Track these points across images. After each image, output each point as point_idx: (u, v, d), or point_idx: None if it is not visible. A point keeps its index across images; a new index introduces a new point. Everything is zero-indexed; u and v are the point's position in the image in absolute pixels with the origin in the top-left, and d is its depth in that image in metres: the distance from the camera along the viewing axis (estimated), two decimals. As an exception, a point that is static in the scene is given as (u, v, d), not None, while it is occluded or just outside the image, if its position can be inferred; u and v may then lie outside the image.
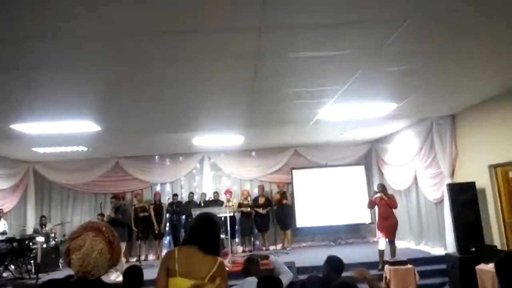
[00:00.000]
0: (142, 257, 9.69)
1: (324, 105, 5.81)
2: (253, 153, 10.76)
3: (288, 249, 9.90)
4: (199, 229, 2.64)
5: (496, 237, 6.48)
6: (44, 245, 8.59)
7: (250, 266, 3.61)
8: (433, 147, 7.86)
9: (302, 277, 5.01)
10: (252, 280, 3.40)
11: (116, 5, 2.60)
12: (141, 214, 9.64)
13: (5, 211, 9.04)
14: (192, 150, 10.17)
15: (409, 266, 6.24)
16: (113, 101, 5.02)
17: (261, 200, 10.08)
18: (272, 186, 10.72)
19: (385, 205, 7.41)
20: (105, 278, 1.81)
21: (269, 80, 4.51)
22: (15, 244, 8.14)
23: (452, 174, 7.42)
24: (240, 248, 10.27)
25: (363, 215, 10.14)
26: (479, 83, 5.44)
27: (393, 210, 7.42)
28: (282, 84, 4.72)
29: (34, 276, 7.87)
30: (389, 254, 7.19)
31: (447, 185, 7.08)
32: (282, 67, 4.10)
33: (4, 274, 8.00)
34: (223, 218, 8.36)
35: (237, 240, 10.26)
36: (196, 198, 10.34)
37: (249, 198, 10.16)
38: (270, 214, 10.21)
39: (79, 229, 1.79)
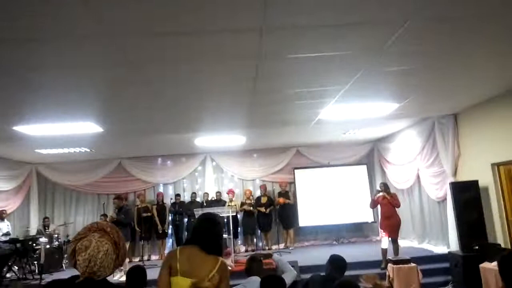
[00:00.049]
0: (145, 257, 9.72)
1: (326, 105, 5.81)
2: (255, 155, 10.77)
3: (290, 248, 9.92)
4: (201, 229, 2.65)
5: (499, 235, 6.47)
6: (48, 246, 8.62)
7: (253, 265, 3.61)
8: (435, 146, 7.85)
9: (305, 276, 5.01)
10: (255, 280, 3.40)
11: (117, 6, 2.61)
12: (144, 215, 9.66)
13: (8, 212, 9.07)
14: (194, 151, 10.19)
15: (412, 264, 6.23)
16: (115, 102, 5.03)
17: (264, 200, 10.09)
18: (274, 185, 10.74)
19: (387, 204, 7.41)
20: (109, 278, 1.82)
21: (271, 81, 4.52)
22: (18, 245, 8.16)
23: (455, 172, 7.41)
24: (242, 248, 10.28)
25: (366, 214, 10.14)
26: (480, 83, 5.43)
27: (396, 209, 7.41)
28: (283, 84, 4.72)
29: (38, 276, 7.91)
30: (392, 252, 7.19)
31: (450, 183, 7.08)
32: (284, 68, 4.10)
33: (8, 275, 8.03)
34: (225, 218, 8.38)
35: (239, 239, 10.27)
36: (198, 198, 10.36)
37: (251, 198, 10.17)
38: (273, 213, 10.21)
39: (84, 230, 1.80)
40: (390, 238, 7.28)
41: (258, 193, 10.51)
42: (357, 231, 10.69)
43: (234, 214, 9.02)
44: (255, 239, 10.36)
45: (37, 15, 2.66)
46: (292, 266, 4.03)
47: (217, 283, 2.51)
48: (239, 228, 10.06)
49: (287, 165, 10.79)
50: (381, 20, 3.14)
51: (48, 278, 7.74)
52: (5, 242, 8.19)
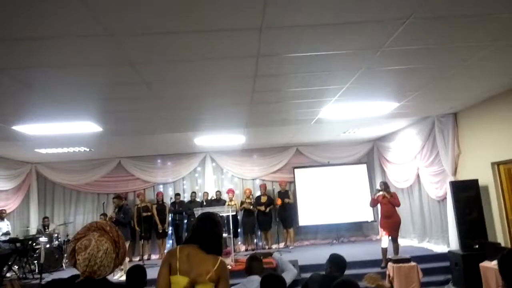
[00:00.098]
0: (145, 257, 9.73)
1: (326, 104, 5.80)
2: (255, 155, 10.76)
3: (290, 247, 9.92)
4: (201, 228, 2.65)
5: (499, 234, 6.47)
6: (47, 245, 8.62)
7: (254, 264, 3.60)
8: (435, 145, 7.84)
9: (305, 275, 5.01)
10: (255, 279, 3.40)
11: (117, 5, 2.60)
12: (144, 214, 9.66)
13: (8, 211, 9.07)
14: (194, 150, 10.19)
15: (412, 263, 6.23)
16: (114, 101, 5.02)
17: (264, 199, 10.09)
18: (274, 185, 10.74)
19: (387, 203, 7.41)
20: (109, 278, 1.81)
21: (270, 80, 4.51)
22: (18, 244, 8.17)
23: (455, 172, 7.41)
24: (242, 247, 10.29)
25: (366, 213, 10.14)
26: (480, 82, 5.43)
27: (396, 208, 7.41)
28: (283, 83, 4.71)
29: (38, 276, 7.91)
30: (392, 252, 7.19)
31: (450, 182, 7.07)
32: (283, 67, 4.09)
33: (8, 274, 8.02)
34: (225, 218, 8.38)
35: (239, 239, 10.27)
36: (198, 197, 10.36)
37: (251, 197, 10.17)
38: (273, 213, 10.21)
39: (83, 229, 1.80)
40: (390, 237, 7.28)
41: (258, 192, 10.51)
42: (357, 230, 10.69)
43: (234, 213, 9.02)
44: (255, 239, 10.36)
45: (37, 14, 2.65)
46: (292, 265, 4.03)
47: (216, 282, 2.51)
48: (239, 228, 10.06)
49: (286, 164, 10.80)
50: (381, 19, 3.13)
51: (48, 277, 7.74)
52: (5, 241, 8.19)
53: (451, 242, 7.39)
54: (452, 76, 4.90)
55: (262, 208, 9.97)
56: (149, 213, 9.79)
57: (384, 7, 2.93)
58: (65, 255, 8.83)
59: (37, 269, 8.27)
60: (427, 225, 8.66)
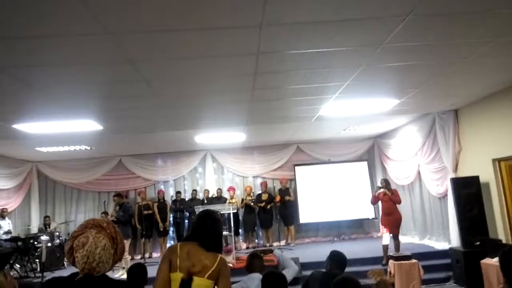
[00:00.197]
0: (147, 255, 9.74)
1: (326, 101, 5.79)
2: (255, 152, 10.76)
3: (291, 245, 9.92)
4: (200, 226, 2.66)
5: (500, 231, 6.46)
6: (49, 244, 8.64)
7: (254, 261, 3.60)
8: (436, 142, 7.83)
9: (306, 273, 5.01)
10: (256, 276, 3.40)
11: (116, 3, 2.59)
12: (145, 212, 9.67)
13: (9, 210, 9.08)
14: (194, 148, 10.19)
15: (414, 260, 6.23)
16: (115, 100, 5.02)
17: (264, 197, 10.09)
18: (275, 182, 10.73)
19: (388, 200, 7.40)
20: (110, 275, 1.81)
21: (270, 77, 4.50)
22: (19, 243, 8.19)
23: (456, 168, 7.40)
24: (244, 245, 10.30)
25: (367, 211, 10.14)
26: (481, 79, 5.41)
27: (397, 205, 7.40)
28: (283, 80, 4.70)
29: (39, 274, 7.93)
30: (393, 249, 7.19)
31: (450, 179, 7.06)
32: (283, 64, 4.08)
33: (10, 273, 8.03)
34: (226, 215, 8.38)
35: (240, 236, 10.28)
36: (199, 195, 10.36)
37: (252, 195, 10.17)
38: (274, 210, 10.21)
39: (81, 227, 1.80)
40: (391, 234, 7.28)
41: (258, 190, 10.50)
42: (358, 228, 10.69)
43: (235, 211, 9.02)
44: (256, 236, 10.36)
45: (37, 13, 2.64)
46: (293, 262, 4.03)
47: (216, 280, 2.51)
48: (240, 225, 10.07)
49: (287, 162, 10.80)
50: (381, 16, 3.12)
51: (49, 276, 7.75)
52: (6, 240, 8.21)
53: (452, 239, 7.39)
54: (452, 73, 4.89)
55: (263, 204, 9.96)
56: (150, 211, 9.80)
57: (384, 4, 2.92)
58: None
59: (38, 268, 8.29)
60: (428, 222, 8.66)
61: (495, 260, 5.41)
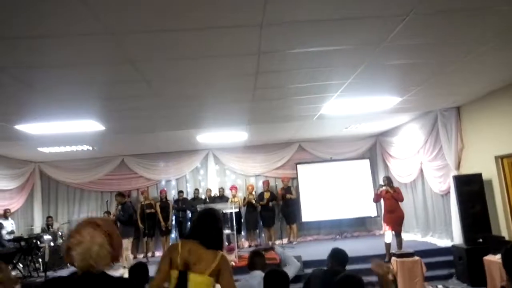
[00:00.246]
0: (149, 254, 9.77)
1: (328, 99, 5.78)
2: (257, 151, 10.74)
3: (294, 243, 9.92)
4: (201, 224, 2.67)
5: (503, 228, 6.45)
6: (52, 244, 8.67)
7: (256, 259, 3.60)
8: (438, 140, 7.81)
9: (308, 271, 5.01)
10: (258, 274, 3.41)
11: (116, 3, 2.60)
12: (148, 211, 9.70)
13: (12, 210, 9.11)
14: (196, 147, 10.20)
15: (416, 258, 6.23)
16: (116, 100, 5.02)
17: (266, 195, 10.09)
18: (277, 181, 10.74)
19: (391, 198, 7.40)
20: (111, 274, 1.82)
21: (272, 76, 4.50)
22: (23, 243, 8.22)
23: (458, 166, 7.38)
24: (246, 243, 10.31)
25: (369, 208, 10.13)
26: (483, 76, 5.40)
27: (399, 203, 7.40)
28: (284, 79, 4.70)
29: (42, 274, 7.95)
30: (396, 246, 7.18)
31: (453, 177, 7.05)
32: (285, 63, 4.08)
33: (13, 273, 8.07)
34: (228, 214, 8.39)
35: (243, 235, 10.29)
36: (201, 194, 10.37)
37: (254, 194, 10.18)
38: (276, 209, 10.22)
39: (76, 226, 1.81)
40: (393, 232, 7.27)
41: (260, 189, 10.51)
42: (360, 225, 10.69)
43: (237, 210, 9.03)
44: (258, 235, 10.37)
45: (37, 13, 2.65)
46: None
47: (217, 277, 2.52)
48: (242, 224, 10.07)
49: (289, 161, 10.79)
50: (382, 15, 3.12)
51: (52, 275, 7.77)
52: (9, 240, 8.24)
53: (455, 236, 7.38)
54: (452, 72, 4.88)
55: (265, 203, 9.97)
56: (152, 210, 9.82)
57: (385, 3, 2.92)
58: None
59: (41, 268, 8.32)
60: (431, 220, 8.65)
61: (497, 257, 5.39)
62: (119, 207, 8.32)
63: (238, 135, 8.66)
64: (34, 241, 8.45)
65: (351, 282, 2.77)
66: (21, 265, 8.21)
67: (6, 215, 8.72)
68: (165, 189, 10.40)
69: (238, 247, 8.84)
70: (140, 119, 6.23)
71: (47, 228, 9.52)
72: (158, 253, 9.98)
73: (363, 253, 7.47)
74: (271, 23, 3.07)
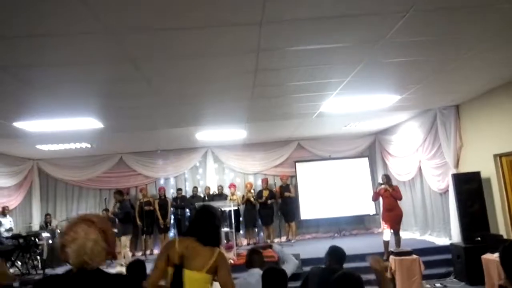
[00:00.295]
0: (148, 251, 9.77)
1: (327, 97, 5.78)
2: (256, 149, 10.73)
3: (292, 241, 9.92)
4: (198, 221, 2.68)
5: (501, 226, 6.46)
6: (50, 241, 8.65)
7: (254, 257, 3.60)
8: (437, 138, 7.82)
9: (307, 269, 5.01)
10: (256, 272, 3.40)
11: (116, 2, 2.59)
12: (146, 208, 9.69)
13: (10, 208, 9.09)
14: (195, 145, 10.18)
15: (414, 256, 6.23)
16: (115, 98, 5.01)
17: (265, 193, 10.08)
18: (276, 179, 10.73)
19: (389, 196, 7.40)
20: (110, 271, 1.82)
21: (271, 74, 4.49)
22: (21, 240, 8.21)
23: (457, 164, 7.38)
24: (244, 241, 10.31)
25: (368, 207, 10.14)
26: (482, 74, 5.40)
27: (398, 201, 7.40)
28: (284, 77, 4.69)
29: (41, 271, 7.94)
30: (394, 244, 7.19)
31: (452, 175, 7.05)
32: (284, 61, 4.07)
33: (11, 270, 8.07)
34: (227, 212, 8.39)
35: (241, 233, 10.29)
36: (200, 192, 10.37)
37: (252, 191, 10.18)
38: (274, 207, 10.22)
39: (70, 223, 1.81)
40: (392, 230, 7.28)
41: (259, 187, 10.50)
42: (359, 224, 10.70)
43: (236, 208, 9.02)
44: (256, 232, 10.37)
45: (37, 13, 2.64)
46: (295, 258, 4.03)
47: (214, 274, 2.52)
48: (241, 222, 10.07)
49: (288, 159, 10.79)
50: (382, 12, 3.11)
51: (51, 273, 7.77)
52: (8, 238, 8.23)
53: (453, 235, 7.39)
54: (452, 69, 4.88)
55: (263, 200, 9.97)
56: (151, 208, 9.81)
57: (385, 0, 2.90)
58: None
59: (40, 265, 8.31)
60: (429, 218, 8.66)
61: (496, 256, 5.40)
62: (117, 204, 8.30)
63: (237, 133, 8.65)
64: (33, 238, 8.44)
65: (350, 279, 2.75)
66: (19, 263, 8.21)
67: (4, 212, 8.69)
68: (164, 186, 10.39)
69: (236, 245, 8.84)
70: (140, 117, 6.22)
71: (45, 226, 9.50)
72: (157, 251, 9.97)
73: (362, 251, 7.46)
74: (270, 21, 3.06)
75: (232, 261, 7.26)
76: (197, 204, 8.20)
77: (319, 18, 3.12)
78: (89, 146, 8.65)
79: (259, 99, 5.55)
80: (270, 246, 4.21)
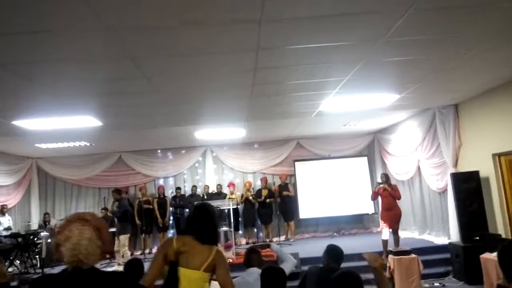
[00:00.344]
0: (147, 250, 9.76)
1: (326, 96, 5.78)
2: (256, 145, 10.75)
3: (291, 240, 9.93)
4: (195, 219, 2.68)
5: (500, 225, 6.47)
6: (49, 240, 8.65)
7: (252, 256, 3.60)
8: (436, 137, 7.82)
9: (306, 268, 5.01)
10: (255, 271, 3.41)
11: (117, 3, 2.59)
12: (145, 206, 9.69)
13: (9, 206, 9.09)
14: (194, 144, 10.18)
15: (413, 255, 6.24)
16: (114, 96, 5.01)
17: (264, 193, 10.09)
18: (275, 178, 10.73)
19: (388, 196, 7.40)
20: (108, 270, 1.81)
21: (270, 73, 4.49)
22: (20, 239, 8.19)
23: (456, 163, 7.39)
24: (243, 240, 10.30)
25: (366, 206, 10.14)
26: (481, 74, 5.40)
27: (397, 200, 7.40)
28: (283, 76, 4.69)
29: (39, 270, 7.94)
30: (393, 244, 7.19)
31: (450, 174, 7.06)
32: (283, 59, 4.07)
33: (10, 269, 8.06)
34: (226, 211, 8.38)
35: (240, 232, 10.29)
36: (199, 191, 10.37)
37: (251, 190, 10.17)
38: (273, 206, 10.22)
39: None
40: (390, 230, 7.28)
41: (258, 185, 10.51)
42: (358, 223, 10.71)
43: (235, 206, 9.02)
44: (255, 231, 10.37)
45: (37, 9, 2.63)
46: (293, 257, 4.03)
47: (212, 272, 2.52)
48: (240, 221, 10.07)
49: (287, 158, 10.79)
50: (381, 11, 3.11)
51: (50, 271, 7.77)
52: (6, 236, 8.22)
53: (452, 234, 7.39)
54: (452, 68, 4.88)
55: (262, 199, 9.97)
56: (150, 206, 9.81)
57: (384, -2, 2.91)
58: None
59: (38, 264, 8.30)
60: (428, 217, 8.66)
61: (494, 255, 5.40)
62: (116, 203, 8.30)
63: (236, 131, 8.64)
64: (31, 237, 8.43)
65: (349, 278, 2.75)
66: (18, 262, 8.20)
67: (3, 211, 8.69)
68: (163, 185, 10.39)
69: (235, 244, 8.84)
70: (139, 115, 6.21)
71: (44, 225, 9.49)
72: (156, 250, 9.97)
73: (361, 250, 7.45)
74: (269, 19, 3.06)
75: (231, 260, 7.26)
76: (196, 203, 8.20)
77: (319, 17, 3.12)
78: (88, 144, 8.64)
79: (259, 97, 5.54)
80: (268, 246, 4.21)
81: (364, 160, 10.74)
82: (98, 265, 1.81)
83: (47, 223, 9.53)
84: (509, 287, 2.07)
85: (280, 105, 6.23)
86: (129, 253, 8.40)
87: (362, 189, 10.26)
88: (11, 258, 8.02)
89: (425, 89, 5.80)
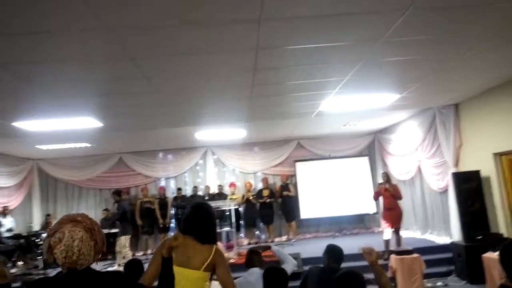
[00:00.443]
0: (148, 251, 9.76)
1: (326, 96, 5.77)
2: (256, 148, 10.74)
3: (293, 240, 9.92)
4: (193, 219, 2.67)
5: (502, 225, 6.46)
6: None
7: (253, 257, 3.62)
8: (436, 137, 7.81)
9: (307, 268, 5.01)
10: (256, 271, 3.41)
11: (118, 2, 2.59)
12: (146, 206, 9.69)
13: (11, 208, 9.09)
14: (195, 144, 10.18)
15: (415, 255, 6.23)
16: (115, 97, 5.01)
17: (265, 193, 10.09)
18: (275, 178, 10.73)
19: (389, 196, 7.40)
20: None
21: (270, 73, 4.48)
22: (22, 240, 8.20)
23: (456, 163, 7.38)
24: (245, 241, 10.29)
25: (368, 206, 10.13)
26: (481, 73, 5.40)
27: (398, 200, 7.39)
28: (283, 76, 4.69)
29: (42, 272, 7.94)
30: (395, 243, 7.18)
31: (451, 174, 7.05)
32: (283, 60, 4.07)
33: (12, 270, 8.07)
34: (227, 211, 8.38)
35: (242, 232, 10.29)
36: (200, 191, 10.36)
37: (252, 190, 10.17)
38: (275, 206, 10.21)
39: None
40: (392, 229, 7.27)
41: (259, 186, 10.51)
42: (359, 223, 10.69)
43: (236, 207, 9.02)
44: (257, 232, 10.37)
45: (37, 9, 2.64)
46: (295, 258, 4.04)
47: (213, 271, 2.52)
48: (241, 221, 10.07)
49: (288, 158, 10.79)
50: (381, 10, 3.11)
51: (52, 273, 7.77)
52: (8, 238, 8.23)
53: (454, 234, 7.38)
54: (452, 67, 4.87)
55: (264, 200, 9.96)
56: (151, 207, 9.81)
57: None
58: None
59: (40, 265, 8.30)
60: (429, 217, 8.65)
61: (496, 254, 5.38)
62: (116, 205, 8.30)
63: (236, 132, 8.64)
64: (33, 238, 8.44)
65: (352, 278, 2.74)
66: (20, 263, 8.20)
67: (4, 212, 8.70)
68: (164, 186, 10.39)
69: (237, 244, 8.84)
70: (139, 116, 6.21)
71: (46, 226, 9.50)
72: (157, 251, 9.96)
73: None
74: (269, 18, 3.06)
75: (233, 260, 7.26)
76: (193, 203, 8.20)
77: (318, 17, 3.12)
78: (88, 145, 8.65)
79: (258, 97, 5.55)
80: (269, 247, 4.22)
81: (365, 160, 10.73)
82: (100, 267, 1.80)
83: (48, 225, 9.54)
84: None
85: (280, 106, 6.23)
86: (130, 254, 8.40)
87: (363, 189, 10.25)
88: (13, 259, 8.02)
89: (424, 89, 5.79)
